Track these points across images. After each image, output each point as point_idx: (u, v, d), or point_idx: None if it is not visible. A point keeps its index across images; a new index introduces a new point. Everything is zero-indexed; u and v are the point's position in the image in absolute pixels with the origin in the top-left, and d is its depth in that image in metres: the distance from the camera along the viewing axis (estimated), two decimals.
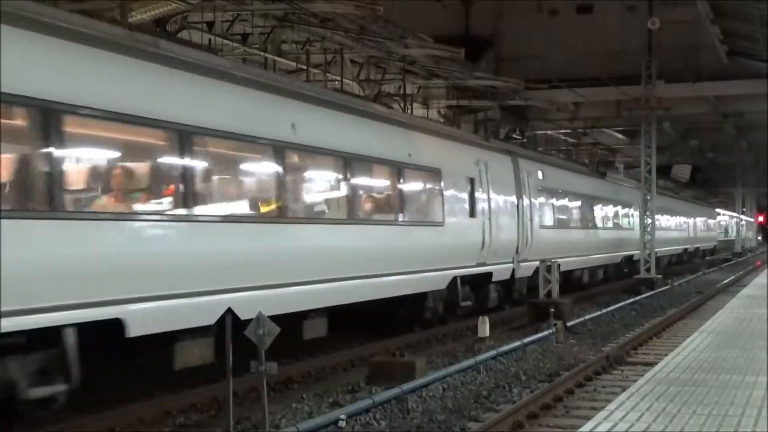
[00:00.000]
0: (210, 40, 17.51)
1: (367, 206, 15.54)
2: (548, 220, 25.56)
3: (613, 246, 32.69)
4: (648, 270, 32.31)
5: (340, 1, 17.36)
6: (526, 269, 22.53)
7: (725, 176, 67.24)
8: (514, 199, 22.23)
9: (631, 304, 25.44)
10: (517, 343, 16.28)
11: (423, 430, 10.25)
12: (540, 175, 25.15)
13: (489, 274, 20.34)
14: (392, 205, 16.45)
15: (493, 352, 15.17)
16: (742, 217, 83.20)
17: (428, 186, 17.72)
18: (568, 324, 19.18)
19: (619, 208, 35.16)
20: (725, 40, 28.22)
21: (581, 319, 20.70)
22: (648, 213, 32.91)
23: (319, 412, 10.83)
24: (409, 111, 23.31)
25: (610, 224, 33.64)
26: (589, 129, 37.46)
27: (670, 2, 30.39)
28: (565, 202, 27.74)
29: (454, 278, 18.45)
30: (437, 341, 18.03)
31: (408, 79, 23.95)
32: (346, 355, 15.33)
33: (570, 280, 27.43)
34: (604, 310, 22.86)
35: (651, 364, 12.36)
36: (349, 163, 14.56)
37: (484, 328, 16.78)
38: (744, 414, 7.72)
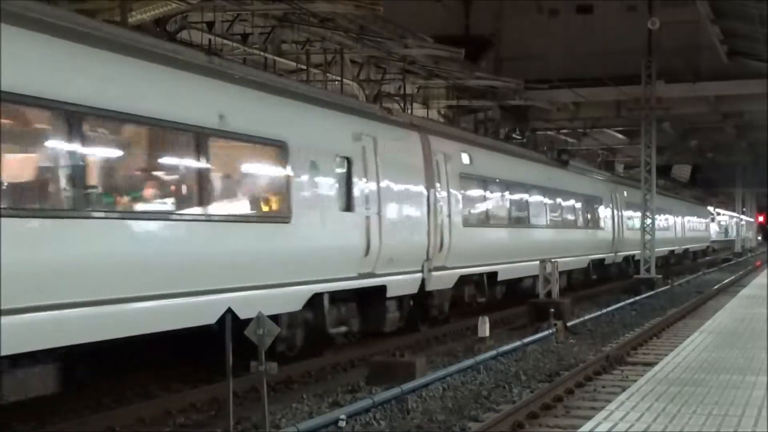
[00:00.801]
0: (210, 40, 17.52)
1: (127, 193, 10.19)
2: (477, 217, 20.33)
3: (575, 248, 27.58)
4: (648, 270, 32.30)
5: (340, 1, 17.37)
6: (442, 280, 17.68)
7: (725, 176, 67.23)
8: (422, 188, 16.87)
9: (631, 304, 25.43)
10: (517, 343, 16.27)
11: (423, 430, 10.25)
12: (465, 159, 19.54)
13: (382, 288, 15.23)
14: (181, 193, 11.09)
15: (493, 352, 15.17)
16: (742, 217, 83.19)
17: (261, 165, 12.84)
18: (568, 324, 19.17)
19: (583, 203, 29.41)
20: (725, 40, 28.23)
21: (581, 319, 20.70)
22: (648, 213, 32.87)
23: (319, 412, 10.83)
24: (409, 111, 23.33)
25: (572, 222, 28.26)
26: (589, 129, 37.46)
27: (670, 2, 30.42)
28: (504, 194, 22.10)
29: (316, 295, 13.44)
30: (437, 341, 18.03)
31: (408, 79, 23.98)
32: (346, 355, 15.32)
33: (517, 291, 23.21)
34: (604, 310, 22.85)
35: (651, 364, 12.36)
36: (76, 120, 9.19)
37: (484, 328, 16.77)
38: (744, 414, 7.72)
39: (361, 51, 21.34)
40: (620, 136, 41.04)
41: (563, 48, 30.96)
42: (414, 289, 16.50)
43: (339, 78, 20.32)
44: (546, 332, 17.86)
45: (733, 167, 62.73)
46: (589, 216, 29.96)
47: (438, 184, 17.54)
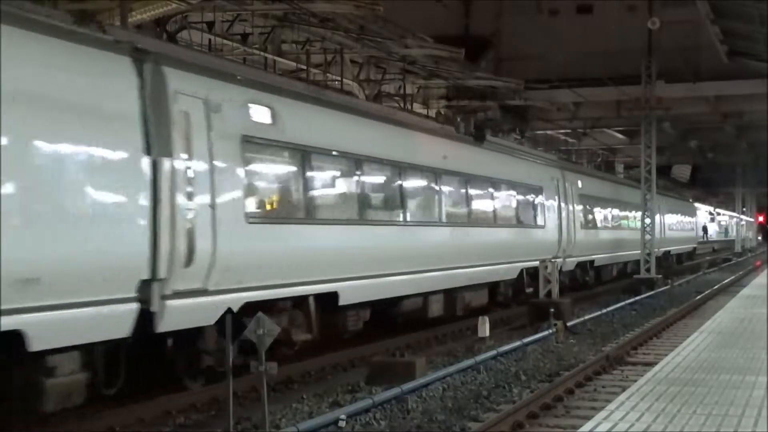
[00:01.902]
0: (210, 40, 17.53)
1: None
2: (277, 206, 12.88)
3: (496, 253, 20.61)
4: (648, 270, 32.30)
5: (340, 1, 17.37)
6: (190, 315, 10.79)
7: (725, 176, 67.22)
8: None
9: (631, 304, 25.43)
10: (517, 343, 16.28)
11: (423, 430, 10.25)
12: (264, 116, 12.39)
13: None
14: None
15: (493, 352, 15.17)
16: (743, 216, 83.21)
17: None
18: (568, 324, 19.17)
19: (510, 193, 22.33)
20: (725, 40, 28.22)
21: (581, 319, 20.69)
22: (648, 213, 32.88)
23: (319, 412, 10.83)
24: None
25: (486, 218, 20.81)
26: (589, 129, 37.47)
27: (670, 2, 30.41)
28: (345, 175, 14.76)
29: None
30: (437, 341, 18.03)
31: (408, 79, 23.98)
32: (346, 355, 15.32)
33: (396, 318, 17.13)
34: (604, 310, 22.84)
35: (651, 364, 12.36)
36: None
37: (484, 328, 16.77)
38: (744, 414, 7.72)
39: (361, 51, 21.34)
40: (620, 136, 41.06)
41: (563, 48, 30.93)
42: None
43: (339, 78, 20.32)
44: (546, 332, 17.86)
45: (733, 167, 62.72)
46: (519, 210, 22.78)
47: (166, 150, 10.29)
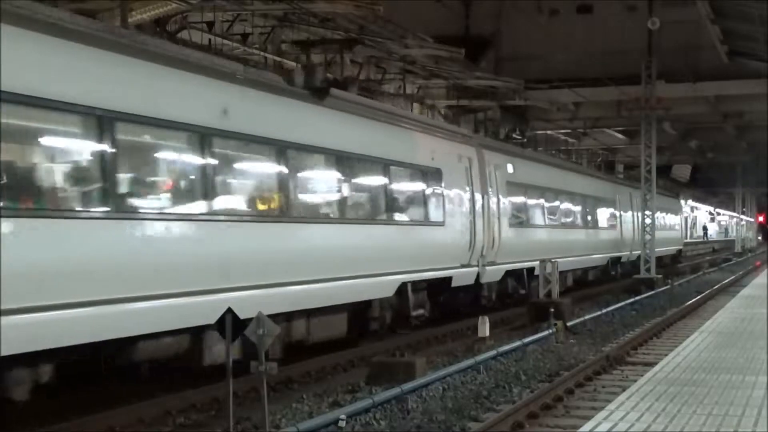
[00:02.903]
0: (210, 40, 17.53)
1: None
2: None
3: (351, 259, 14.54)
4: (648, 270, 32.30)
5: (340, 1, 17.37)
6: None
7: (725, 176, 67.27)
8: None
9: (631, 304, 25.42)
10: (517, 343, 16.27)
11: (423, 430, 10.25)
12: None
13: None
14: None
15: (493, 352, 15.17)
16: (743, 216, 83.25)
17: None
18: (568, 324, 19.18)
19: (373, 175, 15.87)
20: (725, 40, 28.23)
21: (581, 319, 20.69)
22: (648, 213, 32.89)
23: (319, 412, 10.83)
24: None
25: (339, 211, 14.67)
26: (589, 129, 37.48)
27: (670, 2, 30.42)
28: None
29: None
30: (437, 341, 18.04)
31: (408, 79, 23.98)
32: (346, 355, 15.31)
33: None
34: (604, 310, 22.84)
35: (651, 364, 12.36)
36: None
37: (484, 328, 16.78)
38: (744, 414, 7.72)
39: (361, 51, 21.34)
40: (620, 136, 41.07)
41: (563, 48, 30.96)
42: None
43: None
44: (546, 332, 17.86)
45: (733, 167, 62.74)
46: (392, 201, 16.47)
47: None
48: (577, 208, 29.23)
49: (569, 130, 37.65)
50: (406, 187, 17.04)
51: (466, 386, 12.78)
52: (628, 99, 31.42)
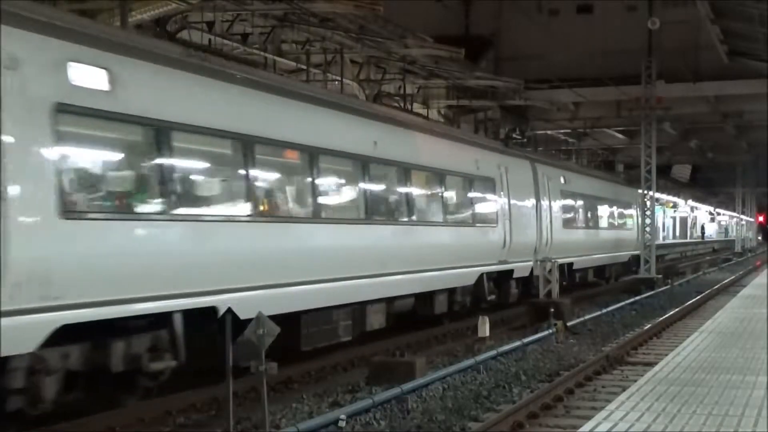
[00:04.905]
0: (210, 40, 17.52)
1: None
2: None
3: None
4: (648, 270, 32.31)
5: (340, 1, 17.37)
6: None
7: (725, 176, 67.29)
8: None
9: (631, 304, 25.43)
10: (517, 343, 16.28)
11: (423, 430, 10.25)
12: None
13: None
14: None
15: (493, 352, 15.17)
16: (743, 216, 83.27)
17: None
18: (568, 324, 19.17)
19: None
20: (725, 40, 28.23)
21: (581, 319, 20.69)
22: (648, 213, 32.90)
23: (319, 412, 10.83)
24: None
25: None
26: (589, 129, 37.47)
27: (670, 2, 30.46)
28: None
29: None
30: (437, 341, 18.04)
31: (408, 79, 23.98)
32: (346, 355, 15.32)
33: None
34: (604, 310, 22.84)
35: (651, 364, 12.36)
36: None
37: (484, 328, 16.77)
38: (744, 414, 7.72)
39: (361, 51, 21.34)
40: (620, 136, 41.05)
41: (563, 48, 30.95)
42: None
43: (339, 78, 20.32)
44: (546, 332, 17.86)
45: (733, 167, 62.75)
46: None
47: None
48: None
49: (569, 130, 37.64)
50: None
51: (466, 386, 12.78)
52: (628, 99, 31.43)
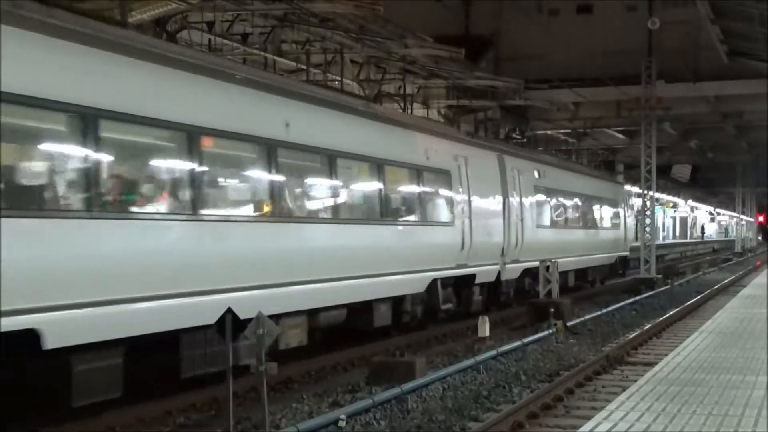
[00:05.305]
0: (210, 40, 17.51)
1: None
2: None
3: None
4: (648, 270, 32.30)
5: (340, 1, 17.35)
6: None
7: (725, 176, 67.28)
8: None
9: (631, 304, 25.43)
10: (517, 343, 16.28)
11: (423, 430, 10.25)
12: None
13: None
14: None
15: (493, 352, 15.17)
16: (742, 216, 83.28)
17: None
18: (568, 324, 19.17)
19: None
20: (725, 40, 28.22)
21: (581, 319, 20.70)
22: (648, 213, 32.89)
23: (319, 412, 10.83)
24: (409, 111, 23.35)
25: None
26: (589, 129, 37.47)
27: (670, 2, 30.45)
28: None
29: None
30: (437, 341, 18.03)
31: (408, 79, 23.95)
32: (346, 355, 15.32)
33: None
34: (604, 310, 22.84)
35: (651, 364, 12.36)
36: None
37: (484, 328, 16.78)
38: (744, 414, 7.72)
39: (361, 51, 21.33)
40: (620, 136, 41.05)
41: (563, 48, 30.94)
42: None
43: (339, 78, 20.31)
44: (546, 332, 17.86)
45: (733, 167, 62.74)
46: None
47: None
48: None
49: (569, 130, 37.63)
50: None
51: (466, 386, 12.78)
52: (628, 99, 31.44)
